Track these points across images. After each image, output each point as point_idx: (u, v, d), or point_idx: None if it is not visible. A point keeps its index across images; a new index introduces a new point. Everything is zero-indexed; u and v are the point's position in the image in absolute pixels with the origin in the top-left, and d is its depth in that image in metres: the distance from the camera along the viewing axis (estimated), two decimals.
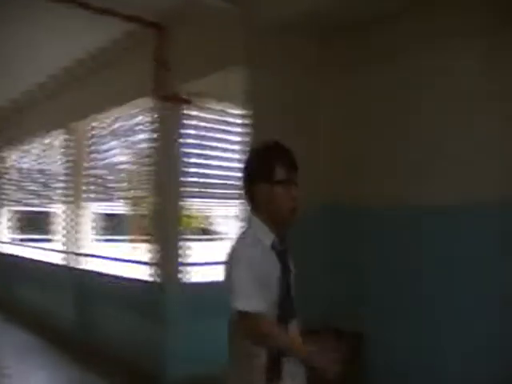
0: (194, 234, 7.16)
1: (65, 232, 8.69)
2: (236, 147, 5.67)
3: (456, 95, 4.08)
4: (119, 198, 7.76)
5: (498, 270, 3.85)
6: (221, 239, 7.07)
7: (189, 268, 6.20)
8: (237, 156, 5.46)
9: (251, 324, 2.25)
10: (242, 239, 2.43)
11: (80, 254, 8.25)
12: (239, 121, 5.28)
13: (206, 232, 8.36)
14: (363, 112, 4.78)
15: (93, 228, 8.36)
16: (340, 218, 4.95)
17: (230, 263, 2.35)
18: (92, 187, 8.11)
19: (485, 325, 3.91)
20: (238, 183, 5.42)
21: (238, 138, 5.37)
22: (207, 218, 8.08)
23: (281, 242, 2.46)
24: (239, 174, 5.14)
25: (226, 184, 6.33)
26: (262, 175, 2.46)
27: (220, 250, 6.28)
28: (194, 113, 6.16)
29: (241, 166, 4.99)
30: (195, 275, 6.25)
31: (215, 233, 8.12)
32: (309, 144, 4.93)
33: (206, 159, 6.30)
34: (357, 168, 4.87)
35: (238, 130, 5.32)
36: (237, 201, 5.44)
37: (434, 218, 4.25)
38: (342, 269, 4.96)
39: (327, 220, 4.96)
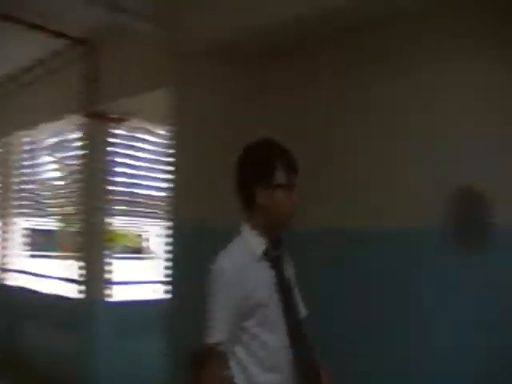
0: (122, 252, 7.17)
1: None
2: (163, 167, 5.71)
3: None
4: (49, 214, 7.69)
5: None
6: (151, 258, 7.09)
7: (115, 286, 6.20)
8: (164, 175, 5.52)
9: (207, 361, 2.20)
10: (229, 252, 2.25)
11: (7, 270, 8.11)
12: (166, 141, 5.35)
13: (136, 250, 8.35)
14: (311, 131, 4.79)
15: (22, 244, 8.25)
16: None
17: (211, 281, 2.19)
18: (22, 202, 8.00)
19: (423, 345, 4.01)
20: (164, 201, 5.49)
21: (164, 158, 5.44)
22: (137, 236, 8.08)
23: (274, 248, 2.30)
24: (166, 193, 5.30)
25: (153, 203, 6.38)
26: (261, 178, 2.25)
27: (149, 268, 6.33)
28: (122, 131, 6.22)
29: (169, 185, 5.16)
30: (122, 293, 6.26)
31: (145, 251, 8.13)
32: None
33: (133, 177, 6.35)
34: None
35: (165, 149, 5.39)
36: (164, 219, 5.48)
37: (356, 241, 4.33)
38: None
39: None
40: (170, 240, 5.11)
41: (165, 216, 5.37)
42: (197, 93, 5.00)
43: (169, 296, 5.10)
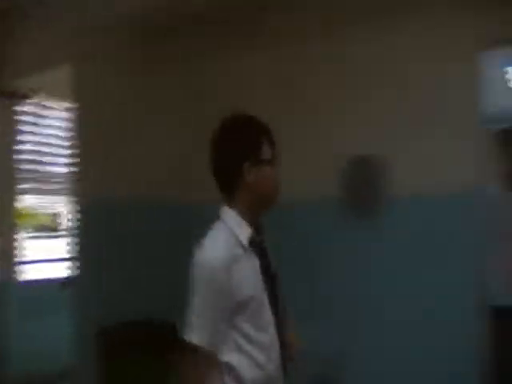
0: (37, 230, 7.06)
1: None
2: (68, 143, 5.65)
3: None
4: None
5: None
6: (62, 236, 7.00)
7: (27, 266, 6.11)
8: (69, 152, 5.46)
9: (195, 363, 1.99)
10: (213, 243, 2.07)
11: None
12: (71, 117, 5.29)
13: (51, 229, 8.23)
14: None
15: None
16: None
17: (197, 277, 2.01)
18: None
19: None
20: (69, 178, 5.45)
21: (68, 134, 5.38)
22: (52, 214, 7.97)
23: (258, 233, 2.17)
24: (70, 170, 5.23)
25: (63, 180, 6.30)
26: (250, 154, 2.10)
27: (61, 247, 6.25)
28: (29, 109, 6.10)
29: (72, 161, 5.05)
30: (35, 273, 6.18)
31: (57, 229, 8.03)
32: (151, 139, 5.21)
33: (42, 155, 6.24)
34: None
35: (69, 125, 5.33)
36: (70, 197, 5.43)
37: None
38: (158, 261, 5.12)
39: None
40: (76, 217, 5.08)
41: (71, 193, 5.33)
42: (100, 68, 4.99)
43: (75, 274, 5.08)
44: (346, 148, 4.10)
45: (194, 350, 1.97)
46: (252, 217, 2.14)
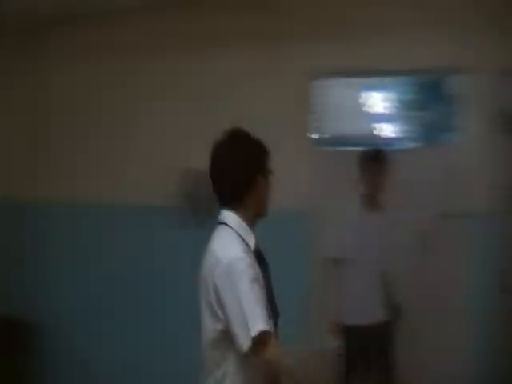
0: None
1: None
2: None
3: None
4: None
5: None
6: None
7: None
8: None
9: (267, 345, 1.90)
10: (229, 242, 2.08)
11: None
12: None
13: None
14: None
15: None
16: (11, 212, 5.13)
17: (232, 273, 1.95)
18: None
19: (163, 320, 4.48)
20: None
21: None
22: None
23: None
24: None
25: None
26: (261, 167, 2.18)
27: None
28: None
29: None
30: None
31: None
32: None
33: None
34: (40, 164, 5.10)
35: None
36: None
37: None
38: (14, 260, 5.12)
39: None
40: None
41: None
42: None
43: None
44: (177, 161, 4.37)
45: (263, 340, 1.90)
46: (253, 224, 2.18)
